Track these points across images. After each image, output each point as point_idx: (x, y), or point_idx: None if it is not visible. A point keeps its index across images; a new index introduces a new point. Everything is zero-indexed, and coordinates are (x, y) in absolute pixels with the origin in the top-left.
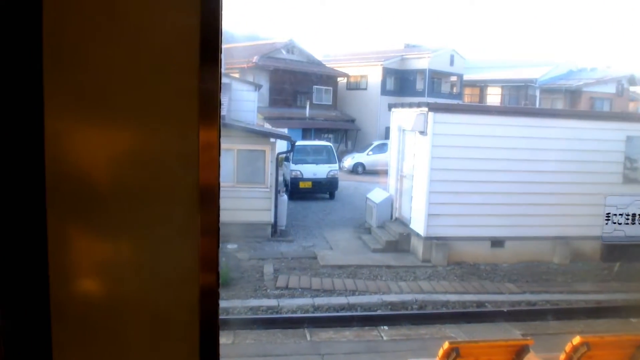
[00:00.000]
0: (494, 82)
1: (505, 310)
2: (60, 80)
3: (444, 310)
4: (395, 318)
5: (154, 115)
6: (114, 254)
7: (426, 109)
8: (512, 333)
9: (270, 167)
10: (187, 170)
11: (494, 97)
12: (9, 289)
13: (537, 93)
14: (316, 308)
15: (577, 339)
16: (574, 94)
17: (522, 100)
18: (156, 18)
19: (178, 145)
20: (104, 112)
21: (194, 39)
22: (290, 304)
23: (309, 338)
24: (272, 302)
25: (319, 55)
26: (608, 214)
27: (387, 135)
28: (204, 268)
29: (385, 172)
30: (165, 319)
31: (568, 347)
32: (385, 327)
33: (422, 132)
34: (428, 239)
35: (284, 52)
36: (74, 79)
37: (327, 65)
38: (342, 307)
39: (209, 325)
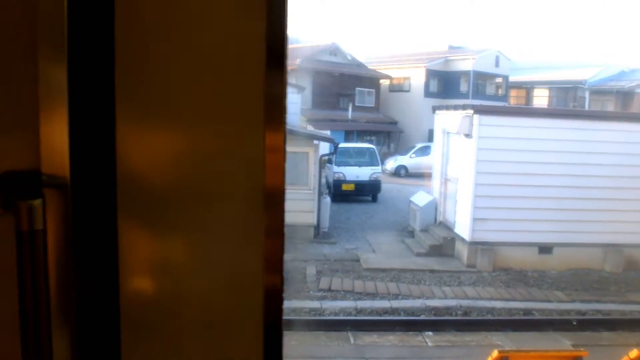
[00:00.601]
0: (541, 83)
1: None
2: (131, 84)
3: (490, 317)
4: (440, 324)
5: (221, 119)
6: (181, 255)
7: (471, 112)
8: (562, 343)
9: (313, 169)
10: (253, 173)
11: (540, 99)
12: (81, 289)
13: (587, 95)
14: (359, 311)
15: (634, 352)
16: (626, 96)
17: (570, 102)
18: (224, 24)
19: (244, 149)
20: (172, 115)
21: (260, 44)
22: (333, 306)
23: (352, 341)
24: (315, 304)
25: (361, 58)
26: None
27: (430, 138)
28: (268, 270)
29: (428, 175)
30: (230, 320)
31: None
32: (430, 333)
33: (468, 135)
34: (473, 243)
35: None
36: (144, 83)
37: (369, 68)
38: (385, 311)
39: (273, 327)
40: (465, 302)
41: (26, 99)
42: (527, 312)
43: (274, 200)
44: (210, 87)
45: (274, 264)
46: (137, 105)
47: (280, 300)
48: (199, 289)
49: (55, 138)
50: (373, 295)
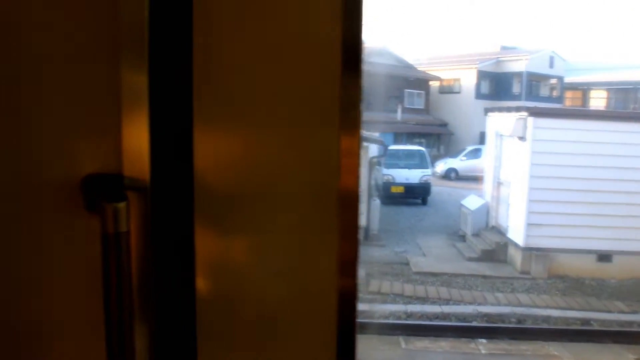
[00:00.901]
0: (598, 84)
1: None
2: (208, 88)
3: (545, 326)
4: (493, 331)
5: (297, 122)
6: (256, 258)
7: (526, 114)
8: (625, 357)
9: (363, 171)
10: (328, 176)
11: (598, 100)
12: (159, 289)
13: None
14: (409, 315)
15: None
16: None
17: (630, 104)
18: (300, 28)
19: (319, 152)
20: (248, 118)
21: (335, 47)
22: (383, 310)
23: (403, 346)
24: (364, 307)
25: (410, 59)
26: None
27: (481, 140)
28: (342, 273)
29: (479, 179)
30: (303, 324)
31: None
32: (483, 340)
33: (521, 138)
34: (527, 249)
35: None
36: (221, 86)
37: (419, 69)
38: (436, 316)
39: (347, 332)
40: (519, 310)
41: (109, 103)
42: (585, 322)
43: (349, 203)
44: (287, 90)
45: (348, 267)
46: (214, 109)
47: (354, 304)
48: (273, 292)
49: (137, 141)
50: (423, 300)
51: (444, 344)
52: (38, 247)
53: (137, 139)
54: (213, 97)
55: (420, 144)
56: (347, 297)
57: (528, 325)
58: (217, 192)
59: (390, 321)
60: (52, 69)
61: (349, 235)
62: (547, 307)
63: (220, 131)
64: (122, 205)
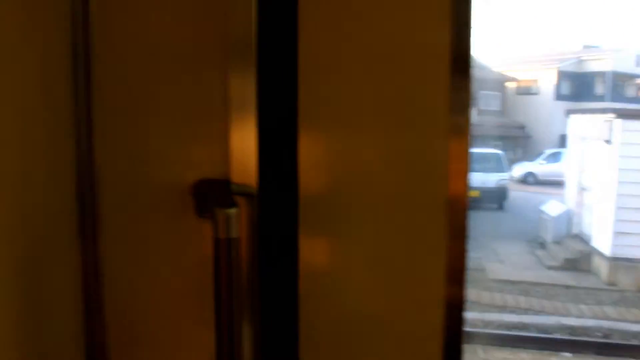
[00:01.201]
0: None
1: None
2: (314, 96)
3: (635, 342)
4: (577, 344)
5: (405, 128)
6: (360, 263)
7: (612, 116)
8: None
9: None
10: (437, 180)
11: None
12: (264, 293)
13: None
14: (486, 324)
15: None
16: None
17: None
18: (408, 35)
19: (428, 156)
20: (354, 125)
21: (444, 53)
22: None
23: (482, 355)
24: None
25: (486, 60)
26: None
27: (561, 143)
28: (450, 280)
29: (559, 183)
30: (408, 330)
31: None
32: (568, 354)
33: (608, 141)
34: (614, 259)
35: None
36: (327, 94)
37: (494, 70)
38: (515, 326)
39: (454, 341)
40: (606, 323)
41: (218, 110)
42: None
43: (458, 208)
44: (395, 97)
45: (456, 274)
46: (321, 114)
47: (461, 314)
48: (377, 297)
49: (244, 147)
50: (501, 308)
51: (524, 356)
52: (152, 247)
53: (244, 144)
54: (319, 102)
55: (496, 147)
56: (455, 306)
57: (616, 340)
58: (322, 196)
59: (467, 329)
60: (164, 76)
61: (457, 242)
62: (637, 322)
63: (325, 138)
64: (233, 211)
